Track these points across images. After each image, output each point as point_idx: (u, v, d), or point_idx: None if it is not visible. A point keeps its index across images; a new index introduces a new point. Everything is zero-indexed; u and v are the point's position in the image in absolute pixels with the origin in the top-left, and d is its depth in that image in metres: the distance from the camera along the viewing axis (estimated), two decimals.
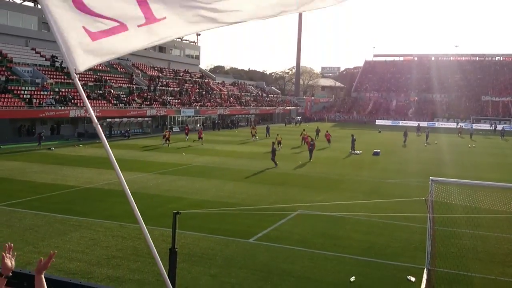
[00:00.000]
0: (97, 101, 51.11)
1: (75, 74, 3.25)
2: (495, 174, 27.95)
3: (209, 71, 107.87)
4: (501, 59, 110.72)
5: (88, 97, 50.73)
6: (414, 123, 77.97)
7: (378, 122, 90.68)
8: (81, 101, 48.93)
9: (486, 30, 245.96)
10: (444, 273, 11.02)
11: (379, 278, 11.24)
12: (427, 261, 11.28)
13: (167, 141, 40.88)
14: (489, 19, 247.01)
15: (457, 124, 76.55)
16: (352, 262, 12.25)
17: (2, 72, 45.49)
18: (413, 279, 11.09)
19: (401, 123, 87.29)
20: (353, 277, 11.11)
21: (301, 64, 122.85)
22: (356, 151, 38.08)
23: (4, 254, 3.15)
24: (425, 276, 10.97)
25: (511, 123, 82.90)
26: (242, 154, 36.07)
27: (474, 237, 13.14)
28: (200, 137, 43.93)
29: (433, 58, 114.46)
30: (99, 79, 57.65)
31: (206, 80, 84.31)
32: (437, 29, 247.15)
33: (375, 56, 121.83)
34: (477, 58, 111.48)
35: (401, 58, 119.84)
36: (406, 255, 12.91)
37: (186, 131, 48.96)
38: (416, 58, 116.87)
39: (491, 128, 75.29)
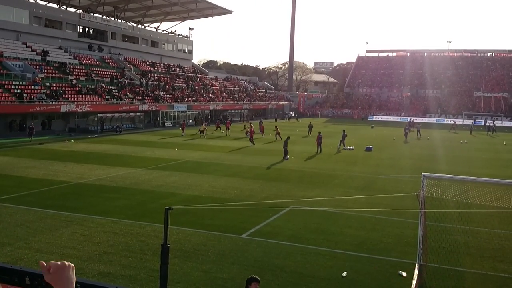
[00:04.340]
0: (88, 95, 50.74)
1: None
2: (487, 169, 28.14)
3: (202, 66, 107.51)
4: (493, 55, 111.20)
5: (79, 91, 50.41)
6: (406, 119, 78.18)
7: (372, 117, 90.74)
8: (72, 96, 48.65)
9: (478, 26, 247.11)
10: (436, 268, 11.10)
11: (370, 273, 11.29)
12: (419, 256, 11.34)
13: (203, 133, 45.59)
14: (482, 15, 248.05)
15: (453, 121, 76.48)
16: (344, 257, 12.29)
17: None
18: (404, 274, 11.14)
19: (392, 118, 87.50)
20: (345, 272, 11.15)
21: (294, 59, 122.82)
22: (348, 147, 38.15)
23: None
24: (416, 271, 11.03)
25: (502, 118, 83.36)
26: (235, 150, 36.02)
27: (465, 232, 13.24)
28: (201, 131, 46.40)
29: (425, 54, 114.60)
30: (90, 73, 57.24)
31: (199, 75, 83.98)
32: (430, 25, 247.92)
33: (368, 51, 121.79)
34: (470, 54, 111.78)
35: (394, 54, 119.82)
36: (398, 250, 12.97)
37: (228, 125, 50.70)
38: (409, 54, 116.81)
39: (482, 123, 75.61)
